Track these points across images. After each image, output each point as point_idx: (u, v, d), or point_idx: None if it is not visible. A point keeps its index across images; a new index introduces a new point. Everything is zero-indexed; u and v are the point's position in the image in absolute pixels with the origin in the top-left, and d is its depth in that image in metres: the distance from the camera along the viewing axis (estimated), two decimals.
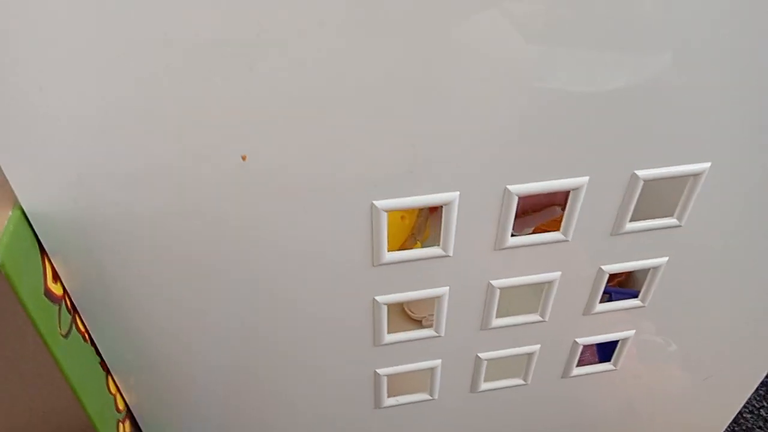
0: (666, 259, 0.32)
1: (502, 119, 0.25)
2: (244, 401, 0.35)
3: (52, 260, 0.25)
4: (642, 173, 0.27)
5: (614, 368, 0.38)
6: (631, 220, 0.30)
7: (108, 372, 0.31)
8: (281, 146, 0.23)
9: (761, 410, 0.58)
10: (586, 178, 0.27)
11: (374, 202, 0.26)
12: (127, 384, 0.32)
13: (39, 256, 0.24)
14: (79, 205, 0.24)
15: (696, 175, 0.28)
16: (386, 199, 0.26)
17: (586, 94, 0.24)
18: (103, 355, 0.30)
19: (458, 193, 0.26)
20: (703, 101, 0.26)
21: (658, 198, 0.32)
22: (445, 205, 0.27)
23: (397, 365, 0.34)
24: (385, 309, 0.31)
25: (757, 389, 0.61)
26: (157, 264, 0.27)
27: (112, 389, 0.31)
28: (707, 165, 0.28)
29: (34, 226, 0.24)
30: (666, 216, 0.30)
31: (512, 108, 0.24)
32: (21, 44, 0.19)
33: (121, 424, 0.32)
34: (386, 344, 0.32)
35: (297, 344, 0.32)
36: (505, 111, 0.24)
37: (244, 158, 0.23)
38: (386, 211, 0.26)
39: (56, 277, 0.25)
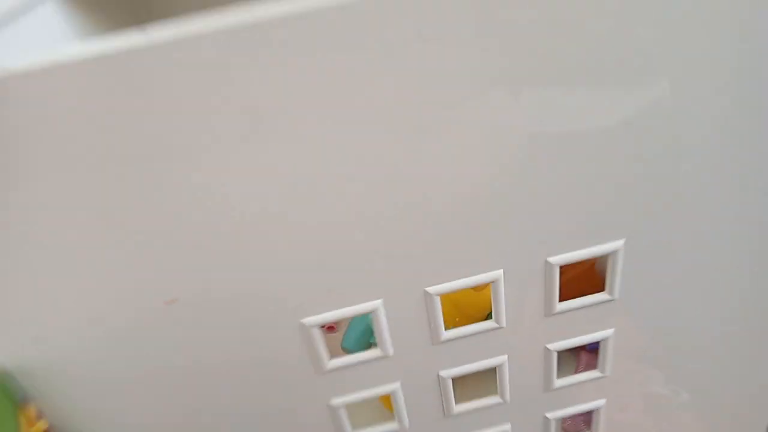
0: (612, 330, 0.33)
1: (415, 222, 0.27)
2: None
3: (30, 406, 0.29)
4: (554, 259, 0.29)
5: None
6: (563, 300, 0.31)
7: None
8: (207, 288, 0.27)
9: None
10: (500, 271, 0.29)
11: (302, 320, 0.28)
12: None
13: (13, 411, 0.27)
14: (41, 363, 0.27)
15: (613, 253, 0.29)
16: (313, 315, 0.28)
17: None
18: None
19: (381, 300, 0.29)
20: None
21: None
22: (373, 312, 0.29)
23: None
24: (343, 410, 0.32)
25: None
26: (136, 401, 0.30)
27: None
28: (621, 242, 0.29)
29: (6, 381, 0.27)
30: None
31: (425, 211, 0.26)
32: None
33: None
34: None
35: None
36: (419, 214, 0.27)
37: (172, 302, 0.26)
38: (315, 326, 0.29)
39: (36, 418, 0.29)
